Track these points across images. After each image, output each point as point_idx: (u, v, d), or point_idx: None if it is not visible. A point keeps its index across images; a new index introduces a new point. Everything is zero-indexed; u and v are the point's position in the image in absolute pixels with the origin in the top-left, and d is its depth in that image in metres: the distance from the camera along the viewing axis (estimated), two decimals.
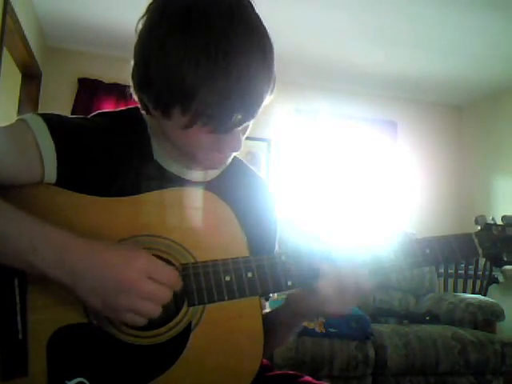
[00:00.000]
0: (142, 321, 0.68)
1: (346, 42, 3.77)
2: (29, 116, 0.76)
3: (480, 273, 3.50)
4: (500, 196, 4.44)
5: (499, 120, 4.55)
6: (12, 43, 3.11)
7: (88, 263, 0.66)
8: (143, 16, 0.74)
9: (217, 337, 0.76)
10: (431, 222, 4.50)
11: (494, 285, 3.72)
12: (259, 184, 0.98)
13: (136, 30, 0.74)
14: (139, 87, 0.76)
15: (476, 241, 0.86)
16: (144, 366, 0.73)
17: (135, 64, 0.75)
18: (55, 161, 0.74)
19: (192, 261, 0.76)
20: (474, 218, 0.90)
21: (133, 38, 0.75)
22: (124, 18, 3.35)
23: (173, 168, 0.85)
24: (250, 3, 0.74)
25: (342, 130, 4.60)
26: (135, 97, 0.79)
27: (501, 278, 3.61)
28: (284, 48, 3.22)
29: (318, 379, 0.91)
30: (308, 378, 0.91)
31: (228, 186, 0.89)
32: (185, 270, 0.74)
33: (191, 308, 0.75)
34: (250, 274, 0.76)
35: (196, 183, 0.86)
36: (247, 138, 0.81)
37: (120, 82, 3.87)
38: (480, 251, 0.85)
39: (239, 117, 0.71)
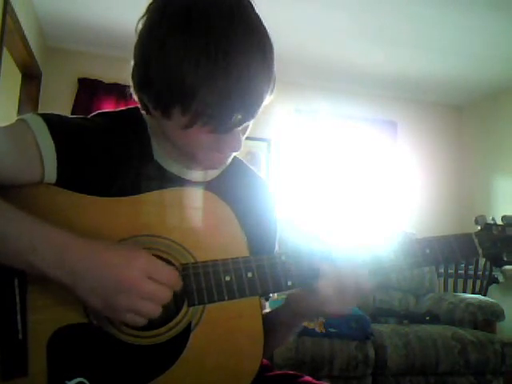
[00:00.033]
0: (142, 321, 0.68)
1: (345, 42, 3.77)
2: (29, 116, 0.76)
3: (480, 273, 3.50)
4: (500, 196, 4.44)
5: (499, 120, 4.55)
6: (12, 43, 3.11)
7: (88, 263, 0.66)
8: (143, 16, 0.74)
9: (217, 337, 0.76)
10: (431, 222, 4.50)
11: (494, 285, 3.72)
12: (259, 184, 0.98)
13: (136, 30, 0.74)
14: (139, 87, 0.76)
15: (476, 241, 0.86)
16: (144, 366, 0.73)
17: (135, 64, 0.75)
18: (55, 161, 0.74)
19: (192, 261, 0.76)
20: (474, 218, 0.90)
21: (133, 38, 0.75)
22: (124, 18, 3.35)
23: (173, 168, 0.85)
24: (250, 3, 0.74)
25: (342, 130, 4.60)
26: (135, 97, 0.79)
27: (501, 278, 3.61)
28: (284, 48, 3.22)
29: (318, 379, 0.91)
30: (308, 378, 0.91)
31: (228, 186, 0.89)
32: (185, 270, 0.74)
33: (191, 308, 0.75)
34: (250, 274, 0.76)
35: (196, 183, 0.86)
36: (247, 138, 0.81)
37: (120, 82, 3.87)
38: (480, 251, 0.85)
39: (239, 117, 0.72)
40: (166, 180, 0.83)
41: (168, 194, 0.80)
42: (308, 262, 0.79)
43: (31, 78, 3.78)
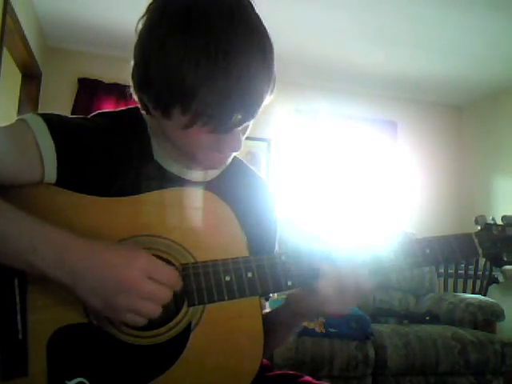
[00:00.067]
0: (142, 321, 0.68)
1: (346, 42, 3.77)
2: (29, 116, 0.76)
3: (480, 273, 3.50)
4: (500, 196, 4.44)
5: (499, 120, 4.55)
6: (12, 43, 3.11)
7: (88, 263, 0.66)
8: (143, 16, 0.74)
9: (217, 337, 0.76)
10: (431, 222, 4.50)
11: (494, 285, 3.72)
12: (259, 184, 0.98)
13: (136, 30, 0.74)
14: (139, 87, 0.76)
15: (476, 241, 0.86)
16: (144, 366, 0.73)
17: (135, 64, 0.75)
18: (55, 161, 0.74)
19: (192, 261, 0.76)
20: (474, 218, 0.90)
21: (133, 38, 0.75)
22: (124, 18, 3.35)
23: (173, 168, 0.85)
24: (250, 3, 0.74)
25: (342, 130, 4.60)
26: (135, 97, 0.79)
27: (501, 278, 3.61)
28: (284, 48, 3.22)
29: (318, 379, 0.91)
30: (308, 378, 0.91)
31: (228, 186, 0.89)
32: (185, 270, 0.74)
33: (191, 308, 0.75)
34: (250, 274, 0.76)
35: (196, 183, 0.86)
36: (247, 138, 0.81)
37: (120, 82, 3.87)
38: (480, 251, 0.85)
39: (239, 117, 0.72)
40: (165, 180, 0.83)
41: (168, 194, 0.80)
42: (308, 262, 0.79)
43: (31, 77, 3.79)
